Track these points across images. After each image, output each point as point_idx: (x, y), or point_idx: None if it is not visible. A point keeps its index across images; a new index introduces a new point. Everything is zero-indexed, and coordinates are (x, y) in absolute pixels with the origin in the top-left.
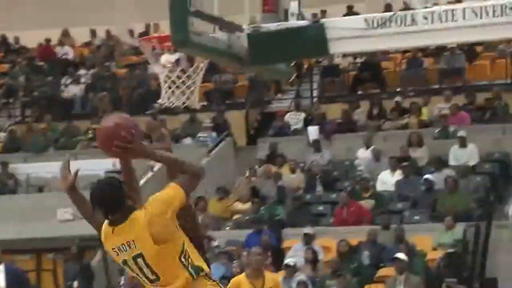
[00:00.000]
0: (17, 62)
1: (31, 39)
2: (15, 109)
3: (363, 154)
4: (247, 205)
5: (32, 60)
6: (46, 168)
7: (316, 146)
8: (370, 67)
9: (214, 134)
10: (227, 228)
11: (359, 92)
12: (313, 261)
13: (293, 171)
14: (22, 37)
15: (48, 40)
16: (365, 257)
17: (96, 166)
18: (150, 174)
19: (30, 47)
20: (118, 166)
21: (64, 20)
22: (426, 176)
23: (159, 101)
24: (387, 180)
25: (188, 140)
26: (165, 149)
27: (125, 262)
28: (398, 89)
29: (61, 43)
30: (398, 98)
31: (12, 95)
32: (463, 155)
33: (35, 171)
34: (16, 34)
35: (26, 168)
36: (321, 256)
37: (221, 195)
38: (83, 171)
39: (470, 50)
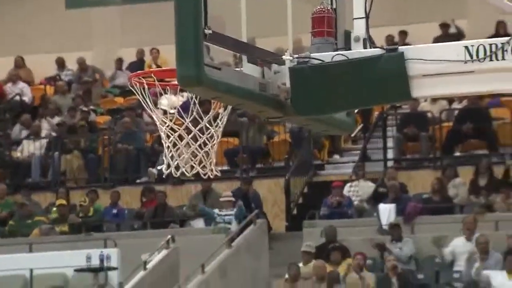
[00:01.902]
0: None
1: None
2: None
3: (463, 247)
4: None
5: None
6: None
7: (392, 233)
8: (474, 117)
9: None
10: None
11: (457, 154)
12: None
13: (357, 270)
14: None
15: None
16: None
17: (60, 261)
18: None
19: None
20: (92, 261)
21: (18, 45)
22: None
23: (158, 166)
24: (502, 286)
25: (199, 223)
26: None
27: None
28: None
29: (12, 79)
30: None
31: None
32: None
33: None
34: None
35: None
36: None
37: None
38: (42, 268)
39: None
